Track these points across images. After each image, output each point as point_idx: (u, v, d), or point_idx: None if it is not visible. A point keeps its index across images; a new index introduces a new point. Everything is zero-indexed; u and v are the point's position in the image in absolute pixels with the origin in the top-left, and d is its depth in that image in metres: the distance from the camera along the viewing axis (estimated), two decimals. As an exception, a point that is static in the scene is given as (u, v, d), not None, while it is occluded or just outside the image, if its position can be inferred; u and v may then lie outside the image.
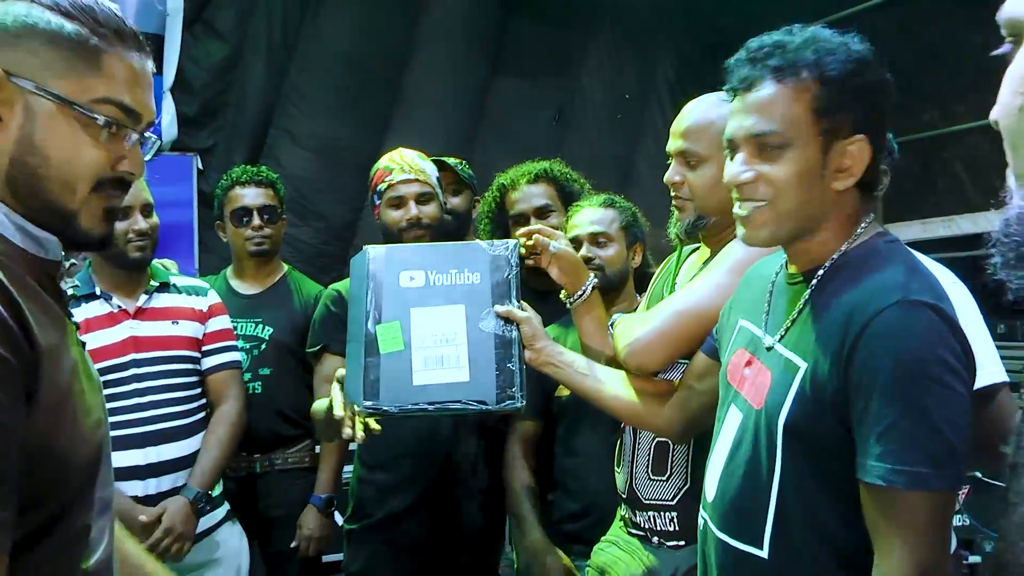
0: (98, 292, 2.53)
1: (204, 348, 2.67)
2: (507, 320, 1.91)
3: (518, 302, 1.93)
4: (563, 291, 2.01)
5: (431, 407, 1.87)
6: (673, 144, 1.85)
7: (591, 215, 2.51)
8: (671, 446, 1.91)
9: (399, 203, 2.55)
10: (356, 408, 1.89)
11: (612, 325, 1.94)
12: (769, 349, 1.40)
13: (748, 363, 1.45)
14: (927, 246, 4.17)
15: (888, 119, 1.34)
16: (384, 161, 2.63)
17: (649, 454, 1.95)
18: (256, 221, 3.06)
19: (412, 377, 1.88)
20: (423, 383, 1.88)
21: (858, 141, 1.31)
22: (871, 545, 1.24)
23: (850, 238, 1.35)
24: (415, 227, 2.54)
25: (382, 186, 2.57)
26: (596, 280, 2.01)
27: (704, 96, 1.87)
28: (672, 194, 1.89)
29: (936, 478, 1.17)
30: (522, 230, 2.04)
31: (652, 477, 1.94)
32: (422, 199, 2.56)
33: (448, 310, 1.92)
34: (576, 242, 2.48)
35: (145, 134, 1.20)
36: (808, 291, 1.36)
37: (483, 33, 4.90)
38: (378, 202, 2.61)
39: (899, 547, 1.19)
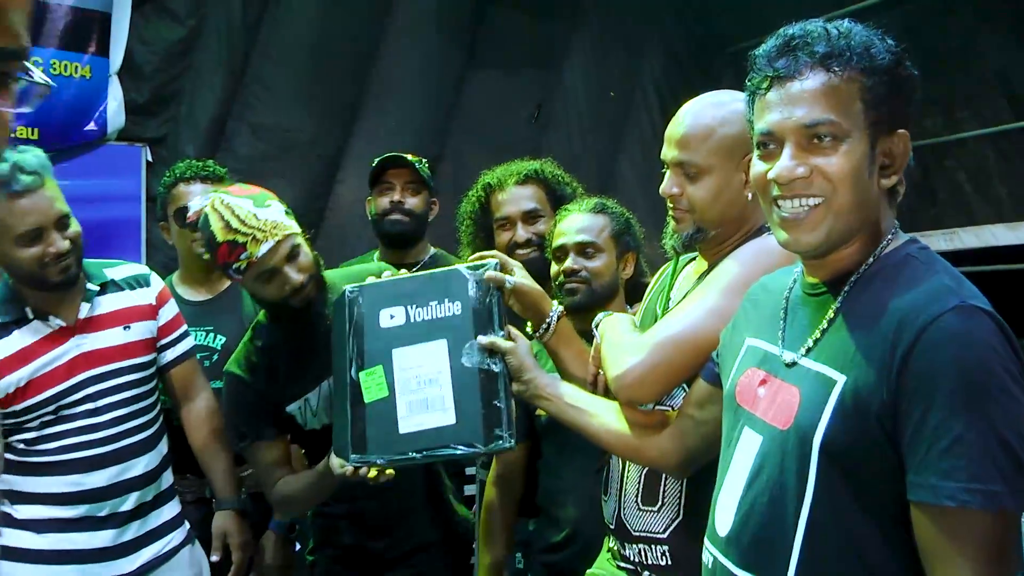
0: (30, 315, 2.36)
1: (161, 342, 2.56)
2: (491, 352, 1.87)
3: (503, 330, 1.89)
4: (529, 325, 1.98)
5: (419, 455, 1.88)
6: (669, 153, 1.81)
7: (579, 222, 2.46)
8: (662, 474, 1.86)
9: (270, 277, 2.19)
10: (344, 464, 1.92)
11: (596, 326, 1.92)
12: (791, 365, 1.37)
13: (763, 382, 1.41)
14: None
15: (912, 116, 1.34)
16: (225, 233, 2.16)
17: (639, 482, 1.90)
18: None
19: (398, 425, 1.88)
20: (410, 430, 1.88)
21: (901, 135, 1.31)
22: (913, 573, 1.21)
23: (882, 243, 1.34)
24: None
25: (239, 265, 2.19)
26: (561, 310, 1.98)
27: (701, 97, 1.82)
28: (669, 205, 1.84)
29: (1009, 496, 1.14)
30: (472, 257, 2.00)
31: (642, 507, 1.89)
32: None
33: (430, 347, 1.91)
34: (562, 251, 2.46)
35: (27, 76, 0.86)
36: (840, 300, 1.34)
37: (459, 22, 4.89)
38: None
39: (966, 574, 1.16)
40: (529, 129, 5.09)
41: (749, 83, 1.39)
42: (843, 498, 1.26)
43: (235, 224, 2.11)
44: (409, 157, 3.07)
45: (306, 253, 2.22)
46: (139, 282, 2.56)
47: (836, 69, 1.29)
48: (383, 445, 1.89)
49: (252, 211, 2.14)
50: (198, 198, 2.26)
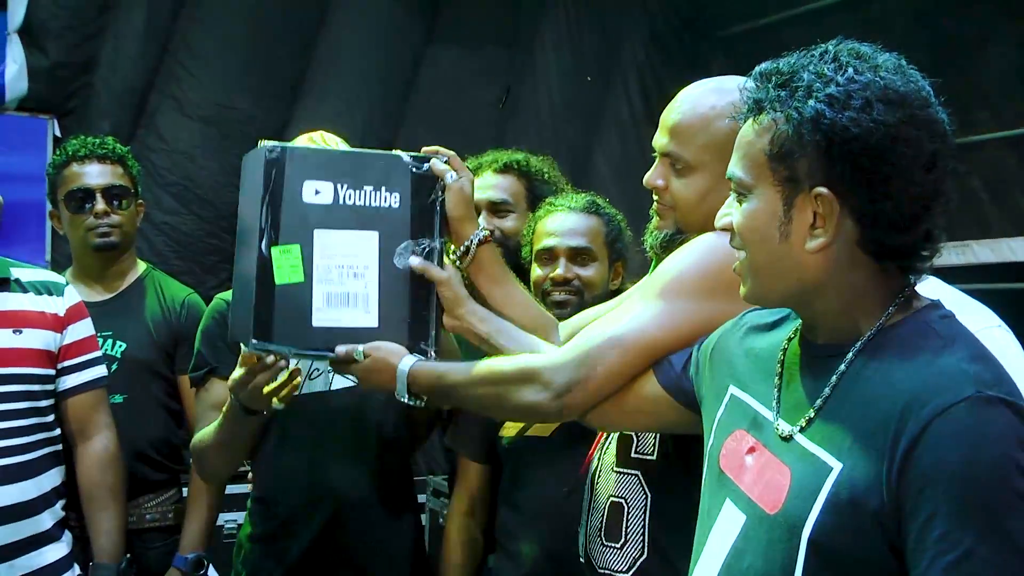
0: None
1: (61, 364, 2.47)
2: (427, 257, 1.90)
3: (442, 239, 1.92)
4: (450, 246, 2.00)
5: (331, 354, 1.87)
6: (659, 140, 1.81)
7: (571, 223, 2.43)
8: (625, 508, 1.87)
9: None
10: (243, 347, 1.88)
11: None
12: (786, 439, 1.33)
13: (751, 450, 1.39)
14: (963, 274, 4.15)
15: (874, 173, 1.23)
16: (302, 140, 2.49)
17: (603, 515, 1.90)
18: (100, 206, 2.86)
19: (312, 316, 1.86)
20: (324, 324, 1.87)
21: (819, 196, 1.25)
22: None
23: (885, 310, 1.29)
24: None
25: None
26: (485, 234, 1.97)
27: (704, 82, 1.80)
28: (654, 197, 1.85)
29: None
30: (426, 148, 1.98)
31: (605, 542, 1.89)
32: None
33: (359, 236, 1.88)
34: (550, 255, 2.43)
35: None
36: (841, 370, 1.29)
37: None
38: None
39: None
40: (494, 115, 5.05)
41: None
42: None
43: (316, 139, 2.36)
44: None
45: None
46: (48, 290, 2.51)
47: (757, 118, 1.31)
48: (291, 335, 1.85)
49: (337, 140, 2.38)
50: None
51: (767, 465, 1.35)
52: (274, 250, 1.84)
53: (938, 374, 1.19)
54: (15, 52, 3.88)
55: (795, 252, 1.29)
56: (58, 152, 2.98)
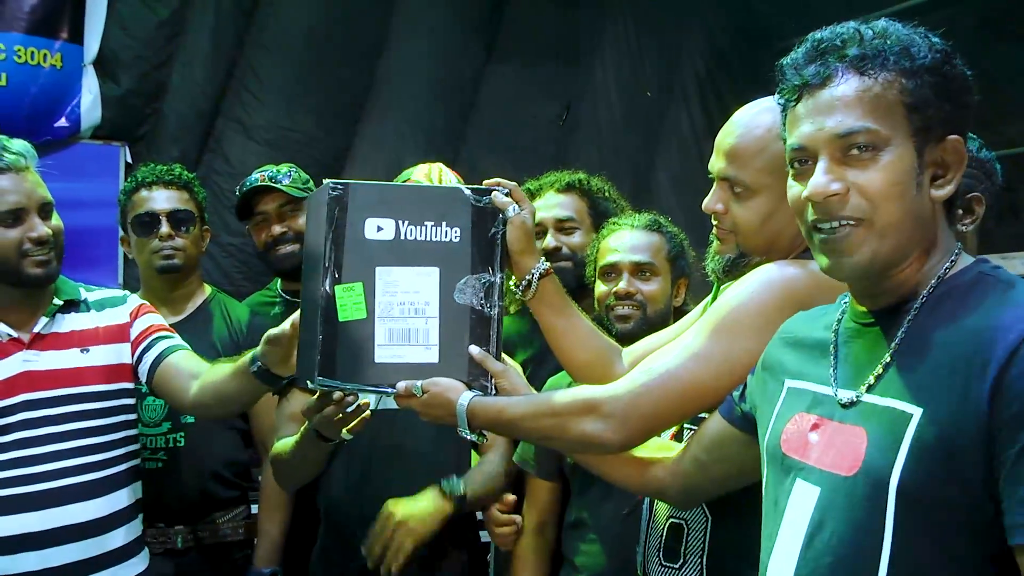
0: None
1: (141, 345, 2.48)
2: (487, 293, 1.91)
3: (501, 273, 1.93)
4: (512, 279, 2.00)
5: (393, 391, 1.88)
6: (716, 164, 1.80)
7: (634, 239, 2.49)
8: (686, 528, 1.87)
9: None
10: (309, 385, 1.91)
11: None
12: (851, 405, 1.34)
13: (814, 427, 1.39)
14: None
15: (970, 123, 1.34)
16: (417, 175, 2.57)
17: (662, 535, 1.91)
18: (164, 229, 2.93)
19: (375, 352, 1.88)
20: (386, 360, 1.89)
21: (954, 141, 1.30)
22: None
23: (946, 263, 1.34)
24: None
25: None
26: (547, 267, 1.96)
27: (758, 103, 1.79)
28: (713, 222, 1.85)
29: None
30: (488, 181, 1.98)
31: (664, 563, 1.90)
32: None
33: (420, 272, 1.90)
34: (614, 270, 2.49)
35: None
36: (905, 326, 1.32)
37: (476, 11, 4.90)
38: None
39: None
40: (554, 132, 5.09)
41: (779, 95, 1.40)
42: (928, 552, 1.21)
43: (432, 175, 2.50)
44: (280, 183, 3.05)
45: None
46: (113, 303, 2.56)
47: (871, 72, 1.29)
48: (354, 372, 1.88)
49: (452, 178, 2.50)
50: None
51: (835, 434, 1.35)
52: (337, 288, 1.87)
53: (1014, 306, 1.22)
54: (90, 83, 4.01)
55: (926, 204, 1.31)
56: (129, 179, 3.06)
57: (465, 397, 1.85)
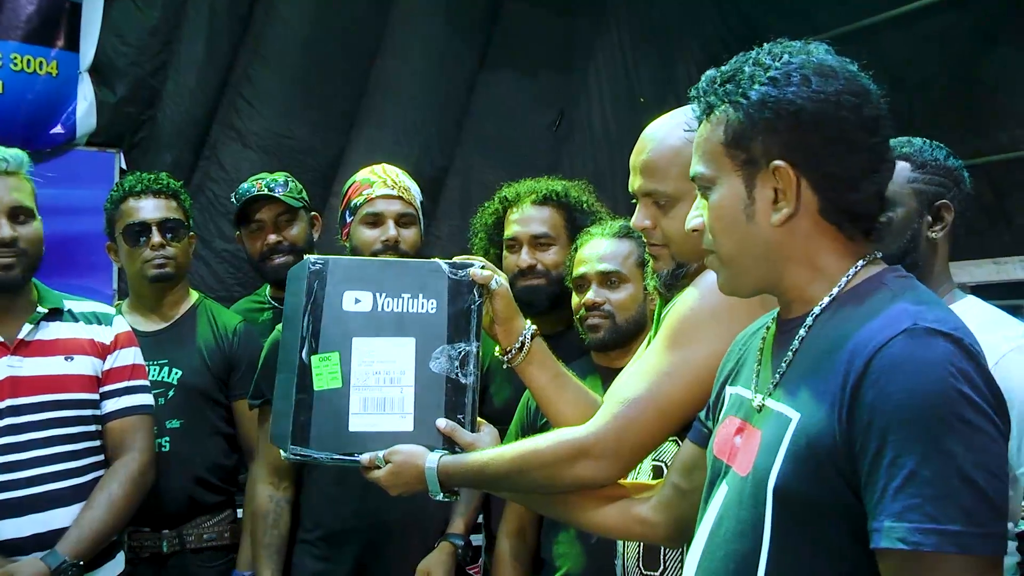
0: None
1: (104, 388, 2.57)
2: (463, 361, 1.95)
3: (477, 341, 1.97)
4: (497, 348, 2.03)
5: (359, 461, 1.92)
6: (635, 183, 1.83)
7: (601, 248, 2.50)
8: None
9: (376, 221, 2.61)
10: (283, 455, 1.94)
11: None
12: (760, 409, 1.42)
13: (739, 430, 1.46)
14: (1001, 291, 4.12)
15: (822, 138, 1.35)
16: (363, 173, 2.71)
17: (640, 544, 1.96)
18: (155, 238, 2.98)
19: (348, 421, 1.94)
20: (360, 429, 1.94)
21: (776, 169, 1.36)
22: None
23: (846, 275, 1.39)
24: (391, 251, 2.58)
25: (358, 200, 2.63)
26: (534, 328, 2.00)
27: (665, 116, 1.84)
28: (645, 240, 1.88)
29: (974, 538, 1.14)
30: (458, 259, 2.04)
31: (644, 571, 1.95)
32: (404, 220, 2.64)
33: (396, 343, 1.96)
34: (583, 281, 2.52)
35: None
36: (801, 334, 1.39)
37: (470, 17, 4.89)
38: (350, 219, 2.65)
39: None
40: (548, 139, 5.08)
41: None
42: (802, 551, 1.28)
43: (378, 171, 2.71)
44: (277, 192, 3.14)
45: (418, 232, 2.71)
46: (98, 319, 2.62)
47: (709, 116, 1.42)
48: (327, 441, 1.92)
49: (397, 172, 2.74)
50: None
51: (748, 436, 1.42)
52: (314, 358, 1.94)
53: (882, 316, 1.27)
54: (86, 90, 4.03)
55: (763, 231, 1.39)
56: (115, 188, 3.11)
57: (432, 459, 1.87)
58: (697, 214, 1.48)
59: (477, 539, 3.08)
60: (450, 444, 1.93)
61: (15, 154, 2.46)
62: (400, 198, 2.66)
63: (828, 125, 1.34)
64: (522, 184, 2.96)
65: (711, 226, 1.43)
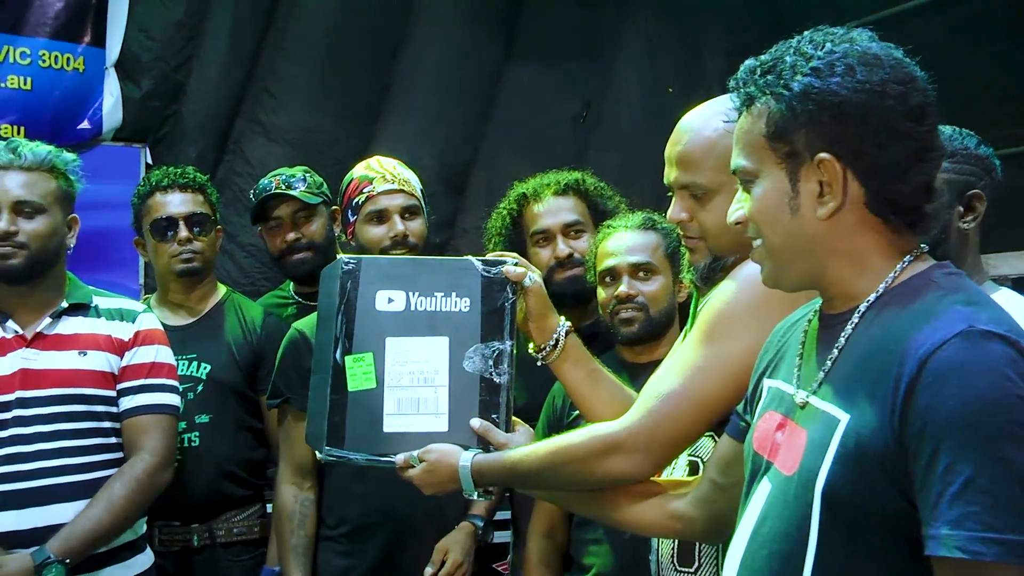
0: None
1: (120, 385, 2.57)
2: (496, 360, 1.96)
3: (511, 339, 1.97)
4: (530, 344, 2.03)
5: (395, 461, 1.93)
6: (670, 175, 1.82)
7: (629, 240, 2.50)
8: None
9: (381, 217, 2.61)
10: (318, 455, 1.97)
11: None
12: (804, 407, 1.40)
13: (780, 426, 1.45)
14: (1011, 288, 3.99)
15: (868, 130, 1.33)
16: (360, 170, 2.70)
17: (674, 540, 1.93)
18: (183, 233, 3.01)
19: (383, 422, 1.95)
20: (395, 430, 1.95)
21: (822, 161, 1.35)
22: None
23: (893, 271, 1.37)
24: (400, 246, 2.58)
25: (359, 198, 2.63)
26: (569, 325, 2.01)
27: (701, 106, 1.83)
28: (680, 233, 1.88)
29: None
30: (494, 253, 2.07)
31: (679, 568, 1.93)
32: (408, 213, 2.64)
33: (430, 342, 1.98)
34: (612, 274, 2.51)
35: None
36: (848, 331, 1.37)
37: (495, 8, 4.90)
38: (353, 218, 2.66)
39: None
40: (574, 131, 5.06)
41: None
42: (848, 553, 1.27)
43: (374, 166, 2.70)
44: (296, 188, 3.15)
45: (424, 222, 2.70)
46: (122, 316, 2.63)
47: (750, 108, 1.41)
48: (362, 442, 1.95)
49: (394, 164, 2.73)
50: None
51: (790, 433, 1.41)
52: (347, 359, 1.96)
53: (934, 317, 1.25)
54: (112, 85, 4.08)
55: (807, 224, 1.37)
56: (142, 183, 3.14)
57: (466, 458, 1.88)
58: (739, 207, 1.47)
59: (504, 536, 3.10)
60: (485, 444, 1.93)
61: (34, 149, 2.50)
62: (402, 191, 2.66)
63: (873, 116, 1.32)
64: (535, 179, 2.95)
65: (755, 218, 1.43)
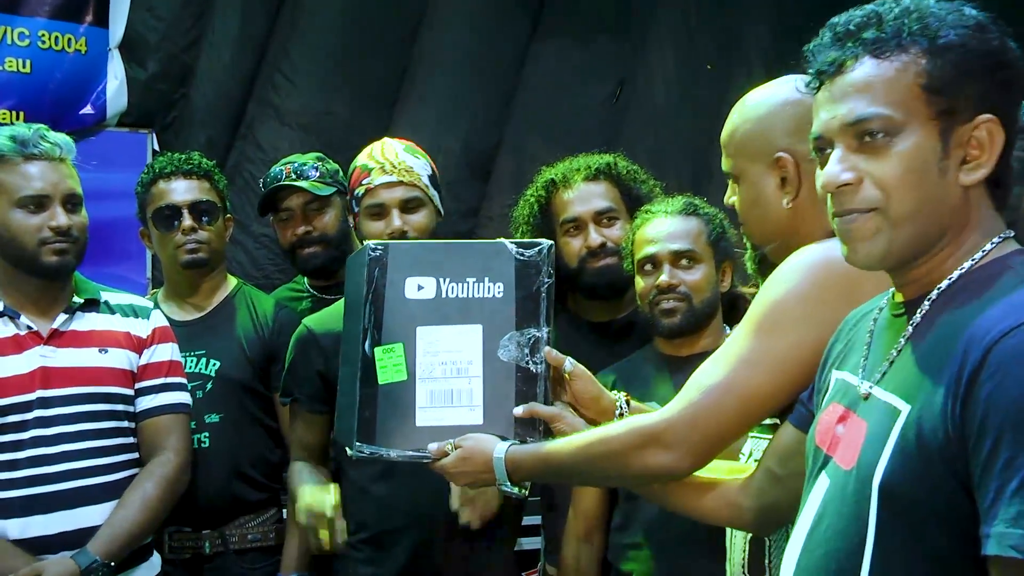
0: (1, 308, 2.46)
1: (139, 384, 2.58)
2: (533, 348, 1.93)
3: (548, 326, 1.96)
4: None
5: (429, 457, 1.91)
6: (728, 161, 1.86)
7: (670, 226, 2.47)
8: (768, 541, 1.86)
9: (380, 212, 2.57)
10: (348, 452, 1.95)
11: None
12: (867, 398, 1.38)
13: (841, 419, 1.43)
14: None
15: (1018, 97, 1.33)
16: (362, 158, 2.67)
17: (745, 548, 1.89)
18: (187, 222, 2.95)
19: (415, 416, 1.93)
20: (428, 424, 1.93)
21: (986, 123, 1.29)
22: None
23: (976, 253, 1.33)
24: None
25: (359, 191, 2.60)
26: (625, 398, 2.00)
27: (760, 89, 1.84)
28: (721, 218, 1.96)
29: None
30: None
31: None
32: (409, 205, 2.58)
33: (462, 331, 1.95)
34: (652, 263, 2.48)
35: None
36: (916, 318, 1.34)
37: None
38: (357, 209, 2.63)
39: None
40: (606, 114, 5.00)
41: (805, 83, 1.45)
42: (908, 551, 1.24)
43: (375, 154, 2.62)
44: (308, 177, 3.12)
45: (429, 213, 2.61)
46: (136, 312, 2.64)
47: (887, 55, 1.31)
48: (394, 437, 1.92)
49: (396, 150, 2.63)
50: None
51: (851, 426, 1.38)
52: (377, 350, 1.93)
53: (1004, 303, 1.22)
54: (115, 68, 4.04)
55: (951, 190, 1.31)
56: (146, 170, 3.10)
57: (501, 448, 1.86)
58: (843, 168, 1.34)
59: (535, 542, 3.12)
60: (522, 438, 1.91)
61: (65, 140, 2.50)
62: (401, 182, 2.59)
63: (1020, 79, 1.31)
64: (563, 164, 2.91)
65: (896, 178, 1.31)
